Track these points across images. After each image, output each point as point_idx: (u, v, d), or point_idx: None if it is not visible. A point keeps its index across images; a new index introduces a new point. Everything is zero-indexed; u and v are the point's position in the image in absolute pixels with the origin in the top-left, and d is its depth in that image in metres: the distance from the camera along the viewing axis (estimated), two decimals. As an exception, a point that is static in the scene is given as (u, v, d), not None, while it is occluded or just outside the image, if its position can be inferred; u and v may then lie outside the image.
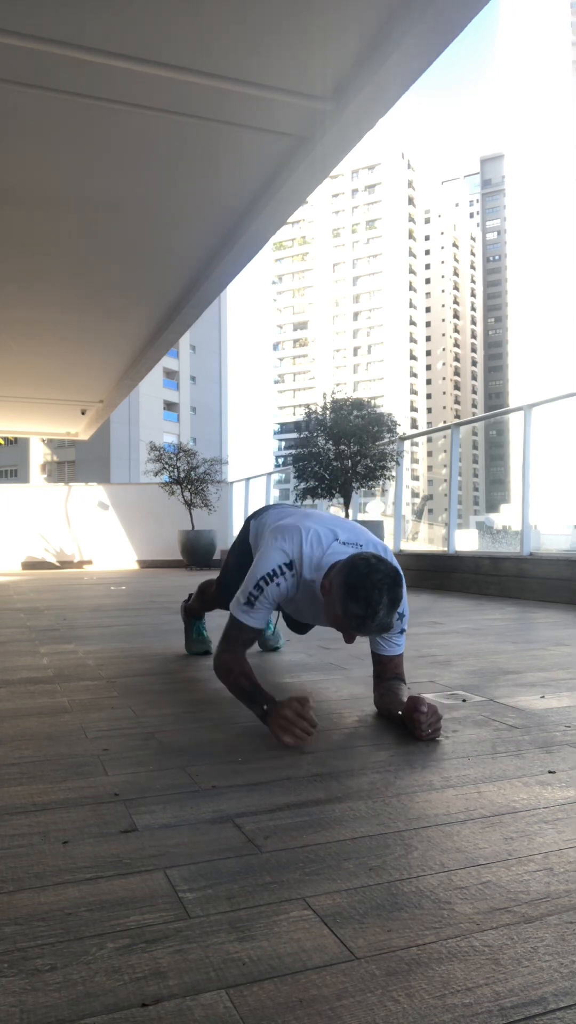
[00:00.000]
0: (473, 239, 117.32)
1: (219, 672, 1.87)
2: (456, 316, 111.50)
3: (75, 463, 47.79)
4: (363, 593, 1.58)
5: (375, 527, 6.46)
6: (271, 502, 10.65)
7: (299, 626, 2.55)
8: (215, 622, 3.60)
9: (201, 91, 2.62)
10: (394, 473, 6.78)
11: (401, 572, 1.82)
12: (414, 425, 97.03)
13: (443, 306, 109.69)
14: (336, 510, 7.81)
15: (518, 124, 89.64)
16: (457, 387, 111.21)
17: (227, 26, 2.30)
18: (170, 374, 50.38)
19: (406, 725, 1.74)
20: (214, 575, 2.69)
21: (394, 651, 1.93)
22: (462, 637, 3.37)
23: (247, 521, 2.40)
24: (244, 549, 2.34)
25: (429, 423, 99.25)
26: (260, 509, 2.40)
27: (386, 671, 1.95)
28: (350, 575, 1.61)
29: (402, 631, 1.91)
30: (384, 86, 2.46)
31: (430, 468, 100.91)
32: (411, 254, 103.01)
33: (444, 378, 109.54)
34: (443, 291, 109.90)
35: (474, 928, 0.89)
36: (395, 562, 1.87)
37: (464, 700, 2.09)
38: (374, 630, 1.62)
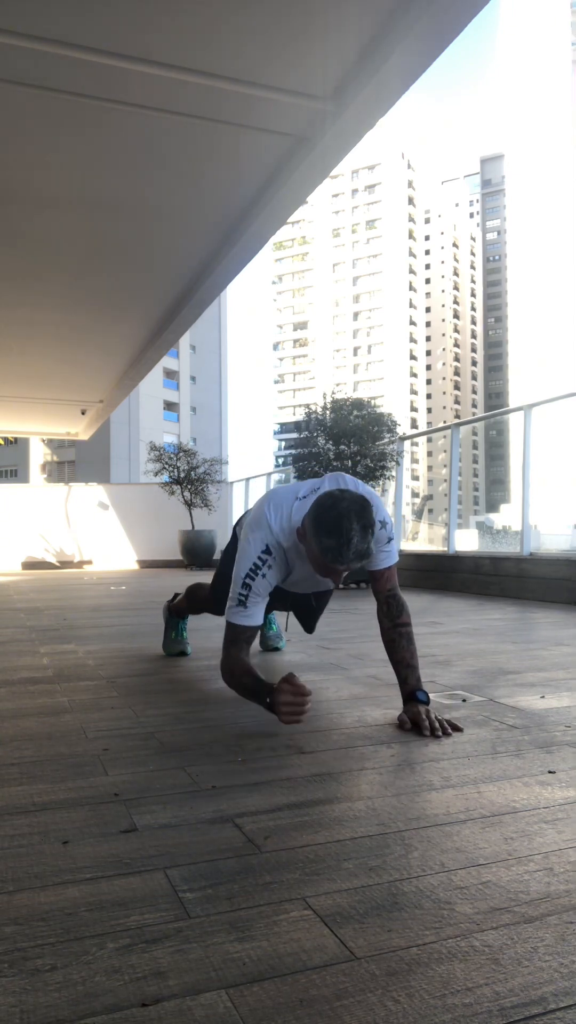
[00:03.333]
0: (473, 239, 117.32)
1: (224, 677, 1.88)
2: (456, 316, 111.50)
3: (75, 463, 47.78)
4: (332, 524, 1.60)
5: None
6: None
7: (308, 621, 2.54)
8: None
9: (201, 91, 2.62)
10: (394, 473, 6.78)
11: (371, 495, 1.84)
12: (414, 425, 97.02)
13: (443, 306, 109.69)
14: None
15: (518, 124, 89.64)
16: (457, 387, 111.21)
17: (227, 26, 2.30)
18: (170, 374, 50.38)
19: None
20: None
21: (387, 562, 1.93)
22: (462, 637, 3.37)
23: (234, 530, 2.37)
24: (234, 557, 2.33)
25: (429, 423, 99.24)
26: (243, 515, 2.39)
27: (382, 588, 1.95)
28: (316, 512, 1.65)
29: (389, 540, 1.91)
30: (384, 86, 2.46)
31: (430, 468, 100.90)
32: (411, 254, 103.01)
33: (444, 378, 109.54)
34: (443, 291, 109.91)
35: (474, 928, 0.89)
36: (359, 486, 1.90)
37: (464, 700, 2.09)
38: (353, 558, 1.62)
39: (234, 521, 12.03)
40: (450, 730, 1.75)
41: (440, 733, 1.73)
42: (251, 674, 1.80)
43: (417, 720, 1.77)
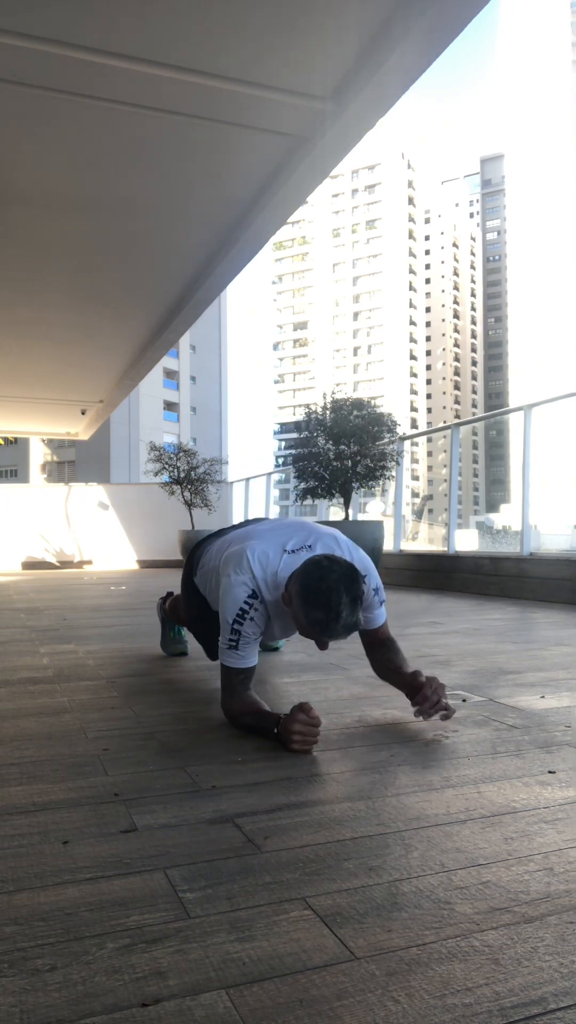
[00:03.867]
0: (473, 239, 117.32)
1: (229, 719, 1.85)
2: (456, 316, 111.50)
3: (75, 463, 47.78)
4: (322, 598, 1.55)
5: (375, 527, 6.46)
6: (267, 505, 10.65)
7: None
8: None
9: (201, 91, 2.62)
10: (394, 473, 6.78)
11: (361, 561, 1.83)
12: (414, 425, 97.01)
13: (443, 306, 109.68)
14: (336, 510, 7.81)
15: (518, 124, 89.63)
16: (457, 387, 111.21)
17: (227, 26, 2.30)
18: (170, 374, 50.38)
19: (410, 697, 1.82)
20: None
21: (378, 622, 1.94)
22: (462, 637, 3.37)
23: (191, 555, 2.29)
24: (197, 596, 2.25)
25: (429, 423, 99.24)
26: (192, 550, 2.30)
27: (377, 639, 1.96)
28: (304, 582, 1.59)
29: (381, 603, 1.91)
30: (384, 86, 2.46)
31: (430, 468, 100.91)
32: (411, 254, 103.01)
33: (444, 378, 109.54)
34: (443, 291, 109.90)
35: (474, 928, 0.89)
36: (353, 550, 1.87)
37: (464, 700, 2.09)
38: (341, 632, 1.59)
39: (239, 518, 11.92)
40: (435, 714, 1.77)
41: (428, 715, 1.76)
42: (252, 710, 1.76)
43: (424, 691, 1.77)
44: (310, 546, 1.82)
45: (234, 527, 2.20)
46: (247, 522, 2.19)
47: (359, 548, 1.92)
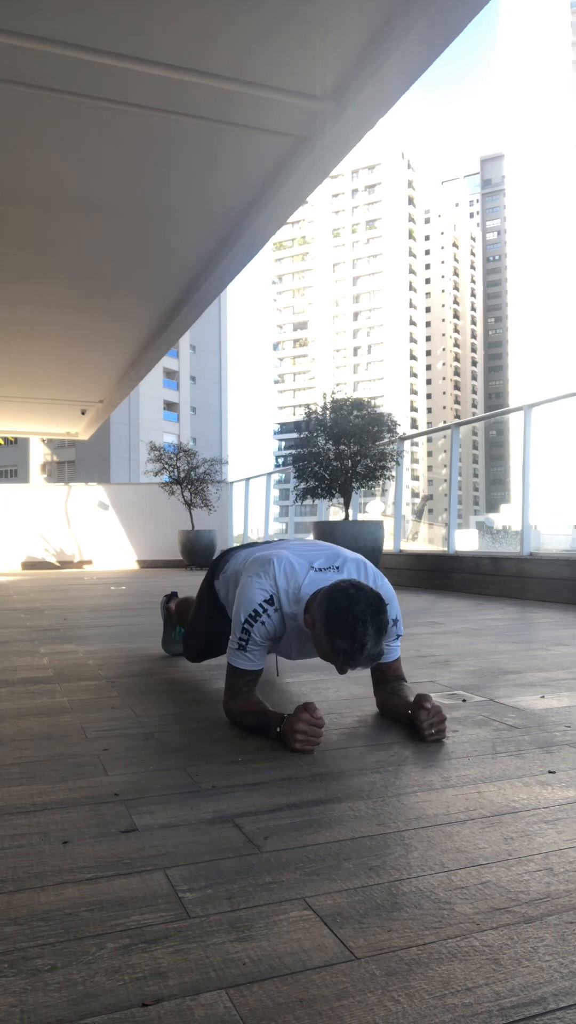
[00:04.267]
0: (473, 239, 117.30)
1: (230, 719, 1.84)
2: (456, 316, 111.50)
3: (75, 463, 47.80)
4: (347, 627, 1.53)
5: (375, 527, 6.46)
6: (267, 505, 10.65)
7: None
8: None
9: (201, 91, 2.62)
10: (394, 473, 6.78)
11: (385, 589, 1.79)
12: (414, 425, 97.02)
13: (443, 306, 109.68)
14: (336, 510, 7.81)
15: (518, 124, 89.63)
16: (457, 387, 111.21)
17: (227, 26, 2.30)
18: (170, 374, 50.39)
19: (412, 724, 1.74)
20: None
21: (391, 657, 1.91)
22: (462, 637, 3.37)
23: (211, 569, 2.28)
24: (213, 602, 2.25)
25: (429, 423, 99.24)
26: (219, 556, 2.29)
27: (386, 676, 1.94)
28: (331, 608, 1.56)
29: (398, 636, 1.89)
30: (384, 86, 2.46)
31: (430, 468, 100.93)
32: (411, 254, 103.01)
33: (444, 378, 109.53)
34: (443, 291, 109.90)
35: (474, 928, 0.89)
36: (378, 578, 1.85)
37: (464, 700, 2.09)
38: (364, 662, 1.56)
39: (239, 518, 11.84)
40: (438, 736, 1.70)
41: (432, 733, 1.69)
42: (255, 709, 1.76)
43: (420, 713, 1.70)
44: (338, 567, 1.82)
45: (264, 543, 2.20)
46: (277, 542, 2.18)
47: (383, 576, 1.91)
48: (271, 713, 1.71)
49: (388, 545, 7.20)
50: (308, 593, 1.73)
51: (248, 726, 1.76)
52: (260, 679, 1.92)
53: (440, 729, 1.70)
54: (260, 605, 1.76)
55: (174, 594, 2.90)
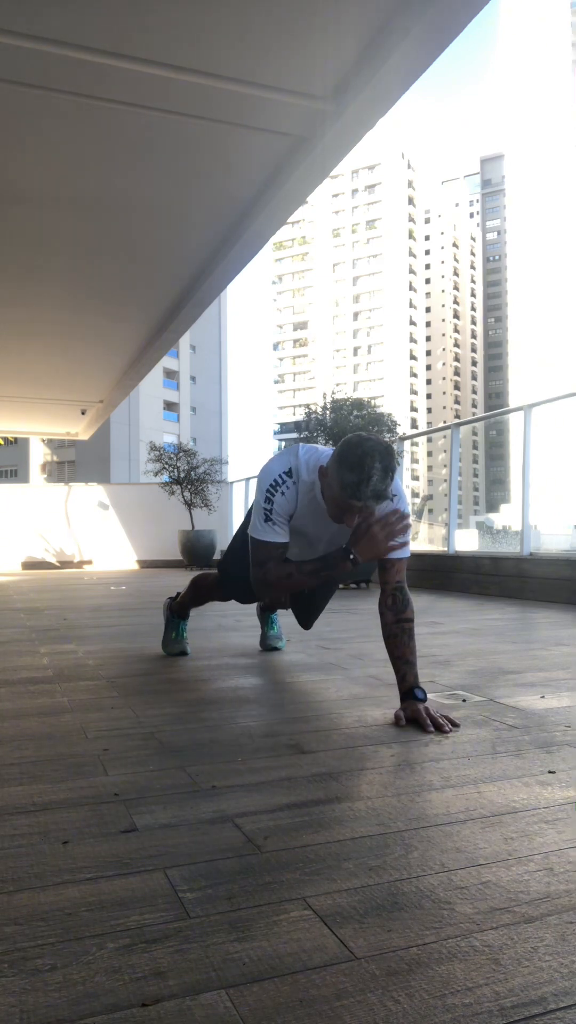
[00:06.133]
0: (473, 239, 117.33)
1: (272, 587, 1.92)
2: (456, 316, 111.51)
3: (75, 463, 47.81)
4: (356, 459, 1.66)
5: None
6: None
7: (307, 616, 2.55)
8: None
9: (201, 91, 2.62)
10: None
11: (398, 485, 1.90)
12: (414, 425, 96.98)
13: (443, 306, 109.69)
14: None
15: (518, 124, 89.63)
16: (457, 387, 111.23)
17: (227, 26, 2.30)
18: (170, 374, 50.40)
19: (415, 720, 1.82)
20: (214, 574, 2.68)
21: (400, 554, 1.93)
22: (462, 637, 3.37)
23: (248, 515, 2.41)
24: (242, 543, 2.34)
25: (429, 423, 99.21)
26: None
27: (390, 579, 1.95)
28: (342, 448, 1.71)
29: (407, 528, 1.92)
30: (384, 86, 2.46)
31: (430, 468, 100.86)
32: (411, 254, 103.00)
33: (444, 378, 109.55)
34: (443, 291, 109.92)
35: (474, 928, 0.89)
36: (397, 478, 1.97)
37: (464, 700, 2.09)
38: (370, 496, 1.68)
39: (239, 518, 11.92)
40: (449, 727, 1.75)
41: (443, 728, 1.74)
42: (299, 564, 1.87)
43: (417, 717, 1.78)
44: None
45: None
46: None
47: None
48: (326, 554, 1.83)
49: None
50: (325, 460, 1.87)
51: (305, 573, 1.87)
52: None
53: (443, 726, 1.75)
54: (280, 476, 1.90)
55: (179, 594, 2.91)
